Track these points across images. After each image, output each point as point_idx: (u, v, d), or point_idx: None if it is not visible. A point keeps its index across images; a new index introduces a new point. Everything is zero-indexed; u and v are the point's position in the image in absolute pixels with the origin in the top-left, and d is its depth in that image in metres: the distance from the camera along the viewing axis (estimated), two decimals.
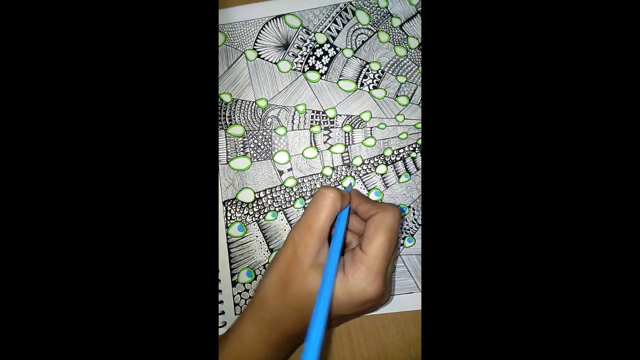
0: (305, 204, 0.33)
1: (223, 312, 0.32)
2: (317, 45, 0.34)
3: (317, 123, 0.34)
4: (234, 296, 0.32)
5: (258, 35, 0.35)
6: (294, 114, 0.34)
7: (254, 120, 0.34)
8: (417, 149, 0.33)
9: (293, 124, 0.34)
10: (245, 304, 0.32)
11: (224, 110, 0.34)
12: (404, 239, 0.33)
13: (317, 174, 0.33)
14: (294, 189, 0.33)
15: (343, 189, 0.30)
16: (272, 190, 0.33)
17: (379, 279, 0.23)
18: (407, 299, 0.32)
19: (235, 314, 0.32)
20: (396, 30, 0.34)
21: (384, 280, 0.24)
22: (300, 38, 0.34)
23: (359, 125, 0.34)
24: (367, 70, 0.34)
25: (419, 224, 0.33)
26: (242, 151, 0.34)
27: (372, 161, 0.33)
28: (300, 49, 0.34)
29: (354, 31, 0.34)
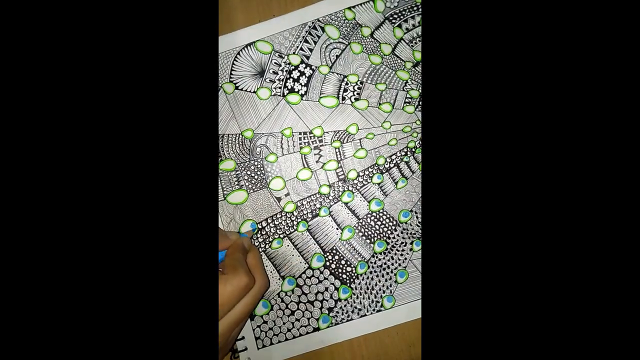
0: (309, 226, 0.33)
1: (243, 337, 0.32)
2: (293, 67, 0.34)
3: (307, 144, 0.34)
4: (253, 329, 0.32)
5: (232, 66, 0.34)
6: (282, 139, 0.34)
7: (243, 152, 0.34)
8: (408, 152, 0.33)
9: (283, 149, 0.34)
10: (265, 336, 0.32)
11: None
12: (412, 243, 0.33)
13: (315, 194, 0.33)
14: (295, 213, 0.33)
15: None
16: (274, 218, 0.33)
17: None
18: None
19: (258, 348, 0.32)
20: (368, 40, 0.34)
21: None
22: (275, 62, 0.34)
23: (347, 139, 0.34)
24: (346, 84, 0.34)
25: None
26: (237, 184, 0.33)
27: (367, 172, 0.34)
28: (277, 73, 0.34)
29: (326, 47, 0.34)
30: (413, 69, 0.34)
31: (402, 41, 0.34)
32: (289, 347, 0.32)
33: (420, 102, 0.34)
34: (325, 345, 0.32)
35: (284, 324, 0.32)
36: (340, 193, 0.33)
